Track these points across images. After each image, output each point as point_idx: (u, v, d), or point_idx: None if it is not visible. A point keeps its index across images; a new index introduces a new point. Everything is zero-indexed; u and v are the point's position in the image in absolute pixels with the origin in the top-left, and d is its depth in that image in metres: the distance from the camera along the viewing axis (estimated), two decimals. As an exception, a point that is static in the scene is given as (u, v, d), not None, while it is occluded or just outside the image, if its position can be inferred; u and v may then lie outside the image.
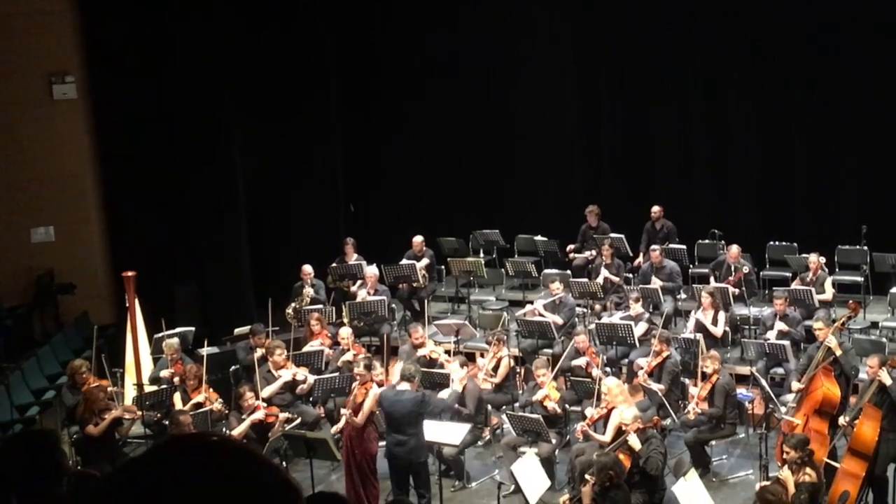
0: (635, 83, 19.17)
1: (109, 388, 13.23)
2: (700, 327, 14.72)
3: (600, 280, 16.67)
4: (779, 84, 18.21)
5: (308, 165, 19.39)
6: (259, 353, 14.35)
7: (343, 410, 12.34)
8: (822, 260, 16.03)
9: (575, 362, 14.18)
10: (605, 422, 12.31)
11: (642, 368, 13.64)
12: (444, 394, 13.37)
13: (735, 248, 16.43)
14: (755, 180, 18.69)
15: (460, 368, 13.68)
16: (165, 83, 17.67)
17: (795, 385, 12.71)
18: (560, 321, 15.60)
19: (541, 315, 15.68)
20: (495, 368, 14.33)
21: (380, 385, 12.99)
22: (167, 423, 12.87)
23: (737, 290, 15.92)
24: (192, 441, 1.81)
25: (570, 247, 18.36)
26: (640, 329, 14.83)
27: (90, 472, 6.24)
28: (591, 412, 12.48)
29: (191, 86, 17.55)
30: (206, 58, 17.69)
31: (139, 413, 12.90)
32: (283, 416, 13.04)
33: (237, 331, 15.60)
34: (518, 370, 15.14)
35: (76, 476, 5.20)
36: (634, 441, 11.33)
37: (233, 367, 15.01)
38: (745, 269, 16.18)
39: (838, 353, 12.38)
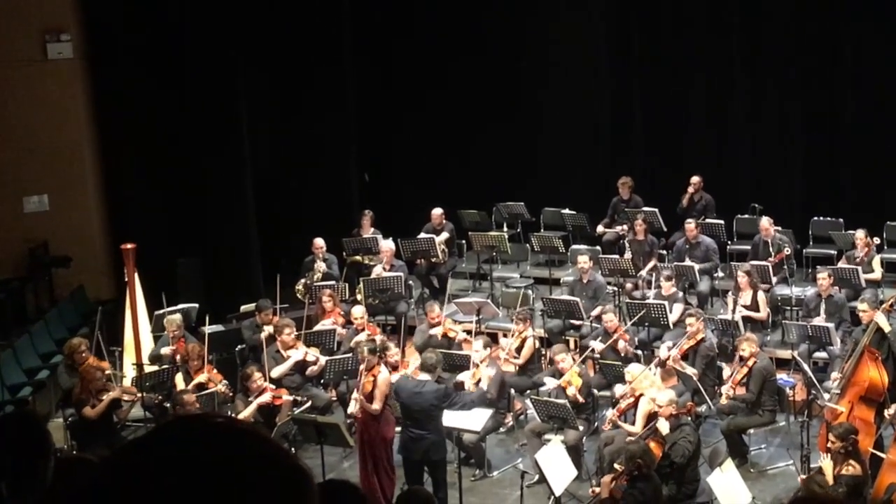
0: (671, 48, 19.02)
1: (108, 371, 13.24)
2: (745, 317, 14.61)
3: (628, 255, 16.62)
4: (824, 49, 18.06)
5: (321, 133, 19.30)
6: (267, 331, 14.39)
7: (354, 394, 12.28)
8: (876, 241, 15.91)
9: (593, 343, 14.15)
10: (634, 410, 12.30)
11: (667, 358, 13.55)
12: (463, 376, 13.34)
13: (765, 221, 16.25)
14: (798, 151, 18.56)
15: (483, 349, 13.60)
16: (168, 43, 17.58)
17: (835, 374, 12.67)
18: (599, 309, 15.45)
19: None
20: (519, 349, 14.31)
21: (394, 368, 12.98)
22: (168, 405, 12.92)
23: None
24: (197, 422, 1.81)
25: (601, 227, 18.33)
26: (675, 311, 14.73)
27: (86, 456, 6.25)
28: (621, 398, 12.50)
29: (196, 46, 17.47)
30: (213, 16, 17.55)
31: (139, 395, 12.95)
32: (288, 398, 12.96)
33: (243, 308, 15.61)
34: (543, 352, 15.10)
35: (71, 461, 5.20)
36: (663, 426, 11.33)
37: (238, 347, 15.04)
38: (787, 251, 16.00)
39: (887, 329, 12.31)
